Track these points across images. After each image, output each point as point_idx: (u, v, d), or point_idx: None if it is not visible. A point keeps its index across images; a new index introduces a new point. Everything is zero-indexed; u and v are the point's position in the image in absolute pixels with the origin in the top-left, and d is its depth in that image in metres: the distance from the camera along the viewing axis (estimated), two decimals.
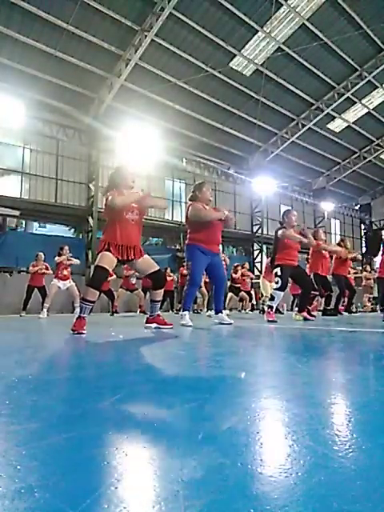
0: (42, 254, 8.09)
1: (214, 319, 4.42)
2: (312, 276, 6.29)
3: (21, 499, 0.48)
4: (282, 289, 4.90)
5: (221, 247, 4.86)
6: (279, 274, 4.88)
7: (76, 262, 7.69)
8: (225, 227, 4.27)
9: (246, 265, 10.94)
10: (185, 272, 8.95)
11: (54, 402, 1.01)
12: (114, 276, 8.96)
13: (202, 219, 4.01)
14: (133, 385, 1.20)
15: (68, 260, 7.53)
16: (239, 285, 10.18)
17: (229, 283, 9.75)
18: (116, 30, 10.41)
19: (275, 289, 4.96)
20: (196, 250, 4.06)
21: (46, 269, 8.02)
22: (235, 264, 10.64)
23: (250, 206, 17.32)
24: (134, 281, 9.04)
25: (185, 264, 5.04)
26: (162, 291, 3.57)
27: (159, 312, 3.71)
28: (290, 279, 5.15)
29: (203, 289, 8.50)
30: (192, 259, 4.08)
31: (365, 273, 12.36)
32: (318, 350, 2.22)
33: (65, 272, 7.45)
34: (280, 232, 5.01)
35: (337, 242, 11.72)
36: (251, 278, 11.04)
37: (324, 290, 6.51)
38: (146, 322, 3.66)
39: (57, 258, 7.51)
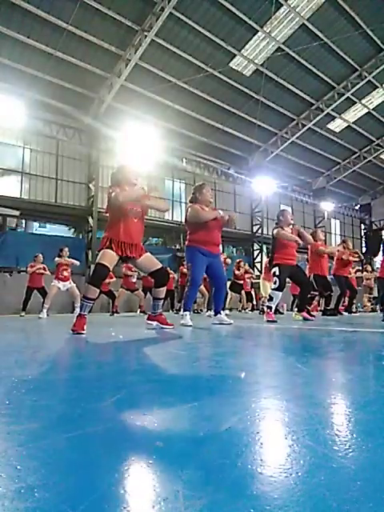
0: (40, 255, 8.09)
1: (213, 319, 4.42)
2: (312, 277, 6.29)
3: (21, 499, 0.48)
4: (280, 289, 4.90)
5: (221, 248, 4.86)
6: (277, 273, 4.88)
7: (75, 263, 7.69)
8: (226, 227, 4.27)
9: (246, 265, 10.95)
10: (185, 271, 8.95)
11: (54, 401, 1.01)
12: (114, 278, 8.98)
13: (200, 220, 4.03)
14: (133, 385, 1.20)
15: (67, 260, 7.52)
16: (242, 282, 10.11)
17: (230, 281, 9.73)
18: (116, 30, 10.41)
19: (273, 289, 4.96)
20: (195, 252, 4.07)
21: (44, 269, 8.01)
22: (238, 260, 10.60)
23: (250, 206, 17.33)
24: (134, 280, 9.02)
25: (185, 264, 5.05)
26: (164, 289, 3.57)
27: (161, 310, 3.71)
28: (289, 279, 5.15)
29: (203, 288, 8.47)
30: (192, 261, 4.09)
31: (365, 273, 12.36)
32: (317, 350, 2.22)
33: (65, 273, 7.45)
34: (275, 231, 5.03)
35: (337, 241, 11.75)
36: (252, 277, 11.04)
37: (324, 290, 6.51)
38: (148, 319, 3.67)
39: (56, 259, 7.51)
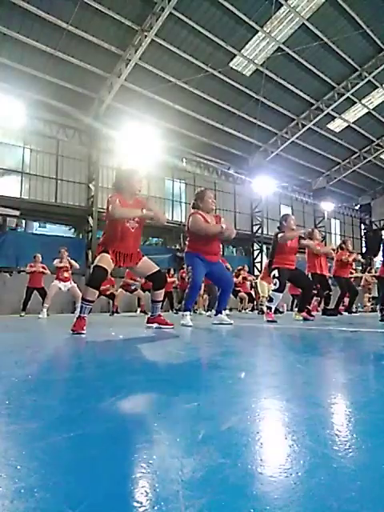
0: (39, 255, 8.09)
1: (213, 319, 4.43)
2: (310, 276, 6.29)
3: (21, 499, 0.48)
4: (280, 290, 4.90)
5: (220, 253, 4.87)
6: (277, 275, 4.89)
7: (75, 265, 7.68)
8: (223, 240, 4.28)
9: (246, 267, 11.00)
10: (184, 276, 9.02)
11: (54, 402, 1.01)
12: (115, 286, 9.02)
13: (201, 233, 4.04)
14: (133, 385, 1.20)
15: (67, 262, 7.53)
16: (239, 288, 10.22)
17: None
18: (116, 30, 10.41)
19: (274, 290, 4.96)
20: (194, 257, 4.11)
21: (44, 269, 8.00)
22: (238, 267, 10.70)
23: (250, 206, 17.33)
24: (134, 287, 9.07)
25: (185, 268, 5.09)
26: (162, 291, 3.58)
27: (160, 312, 3.72)
28: (288, 282, 5.16)
29: (201, 291, 8.55)
30: (192, 264, 4.13)
31: (366, 274, 12.38)
32: (317, 350, 2.22)
33: (65, 274, 7.46)
34: (279, 235, 5.02)
35: (337, 241, 11.80)
36: (252, 280, 11.09)
37: (323, 289, 6.51)
38: (147, 322, 3.69)
39: (56, 261, 7.51)
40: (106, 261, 3.22)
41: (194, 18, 10.56)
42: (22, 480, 0.53)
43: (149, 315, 3.77)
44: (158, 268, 3.51)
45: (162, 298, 3.63)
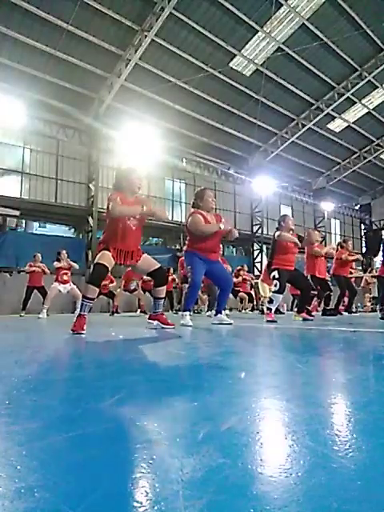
0: (39, 254, 8.10)
1: (213, 319, 4.43)
2: (308, 277, 6.28)
3: (21, 499, 0.48)
4: (280, 291, 4.90)
5: (220, 252, 4.87)
6: (277, 276, 4.88)
7: (75, 265, 7.70)
8: (225, 237, 4.28)
9: (245, 267, 11.00)
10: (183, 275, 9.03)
11: (54, 401, 1.01)
12: (114, 283, 9.01)
13: (200, 233, 4.04)
14: (133, 385, 1.20)
15: (67, 263, 7.53)
16: (239, 288, 10.22)
17: None
18: (116, 30, 10.42)
19: (274, 291, 4.96)
20: (194, 257, 4.12)
21: (43, 270, 7.99)
22: (238, 267, 10.71)
23: (250, 206, 17.33)
24: (133, 287, 9.07)
25: (185, 268, 5.10)
26: (164, 288, 3.58)
27: (162, 310, 3.72)
28: (287, 283, 5.17)
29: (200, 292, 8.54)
30: (192, 264, 4.14)
31: (366, 274, 12.38)
32: (317, 350, 2.22)
33: (65, 277, 7.46)
34: (276, 233, 5.04)
35: (337, 241, 11.82)
36: (251, 280, 11.08)
37: (323, 290, 6.51)
38: (149, 318, 3.69)
39: (55, 263, 7.51)
40: (106, 258, 3.22)
41: (193, 17, 10.56)
42: (22, 480, 0.53)
43: (151, 312, 3.76)
44: (159, 265, 3.52)
45: (163, 295, 3.63)
